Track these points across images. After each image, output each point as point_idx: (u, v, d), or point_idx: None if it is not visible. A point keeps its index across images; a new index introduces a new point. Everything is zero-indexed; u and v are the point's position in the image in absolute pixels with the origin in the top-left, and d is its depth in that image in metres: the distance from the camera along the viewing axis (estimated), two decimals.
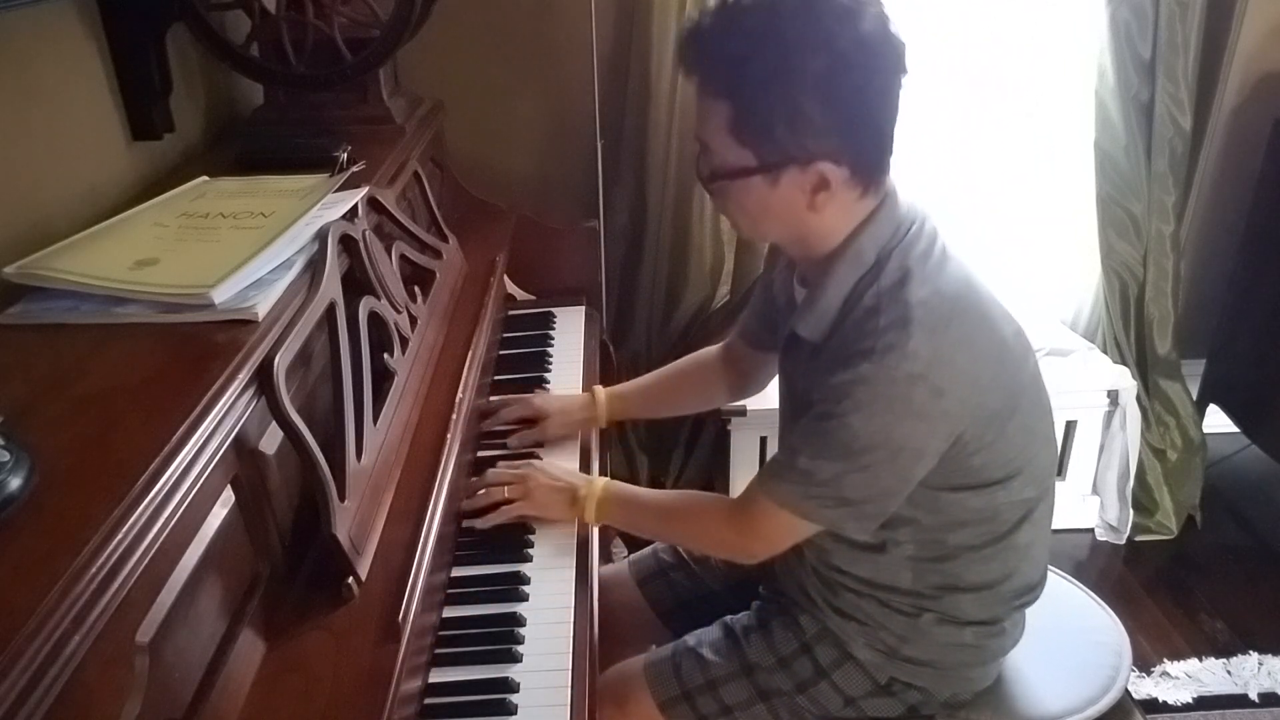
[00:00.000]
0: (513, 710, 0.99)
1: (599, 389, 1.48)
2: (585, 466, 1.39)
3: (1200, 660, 2.00)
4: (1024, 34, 2.25)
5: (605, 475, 1.34)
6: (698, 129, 1.07)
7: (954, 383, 1.01)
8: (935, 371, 0.99)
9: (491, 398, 1.49)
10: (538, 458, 1.35)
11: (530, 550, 1.21)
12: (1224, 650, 2.03)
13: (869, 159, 1.04)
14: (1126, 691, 1.27)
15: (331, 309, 1.03)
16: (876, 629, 1.19)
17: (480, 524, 1.23)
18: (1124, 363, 2.32)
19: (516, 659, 1.05)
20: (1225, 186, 2.42)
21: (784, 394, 1.25)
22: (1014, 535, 1.14)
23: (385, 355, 1.15)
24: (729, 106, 1.01)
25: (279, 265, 1.03)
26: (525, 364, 1.62)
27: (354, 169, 1.35)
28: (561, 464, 1.33)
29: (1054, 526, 1.24)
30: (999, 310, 1.09)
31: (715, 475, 2.35)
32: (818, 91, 0.98)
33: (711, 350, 1.49)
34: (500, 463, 1.31)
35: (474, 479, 1.29)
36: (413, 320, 1.27)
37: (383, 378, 1.13)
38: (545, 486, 1.25)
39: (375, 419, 1.06)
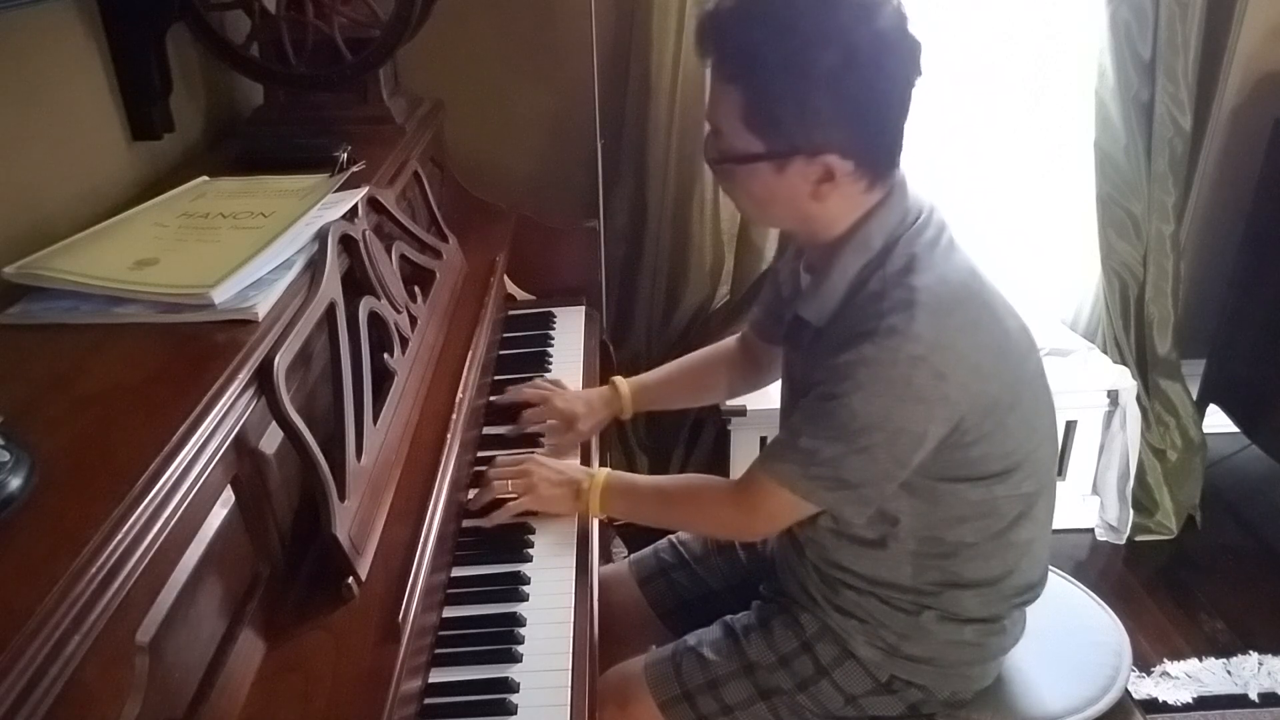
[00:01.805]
0: (513, 710, 0.99)
1: (620, 381, 1.48)
2: (586, 461, 1.39)
3: (1200, 660, 2.00)
4: (1024, 34, 2.25)
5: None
6: (710, 111, 1.08)
7: (955, 367, 1.01)
8: (937, 355, 1.00)
9: (505, 395, 1.48)
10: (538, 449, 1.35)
11: (530, 550, 1.21)
12: (1224, 650, 2.03)
13: (877, 154, 1.05)
14: (1126, 691, 1.27)
15: (331, 309, 1.03)
16: (877, 627, 1.19)
17: (485, 523, 1.23)
18: (1124, 363, 2.32)
19: (516, 659, 1.05)
20: (1225, 186, 2.42)
21: (785, 381, 1.26)
22: (1013, 531, 1.14)
23: (385, 355, 1.15)
24: (741, 93, 1.02)
25: (279, 265, 1.03)
26: (525, 364, 1.62)
27: (354, 169, 1.35)
28: (558, 457, 1.33)
29: (1054, 526, 1.24)
30: (1003, 303, 1.10)
31: (715, 474, 2.35)
32: (828, 86, 0.98)
33: (728, 342, 1.50)
34: (499, 458, 1.30)
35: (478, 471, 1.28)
36: (413, 320, 1.27)
37: (383, 378, 1.13)
38: (548, 480, 1.24)
39: (375, 419, 1.06)
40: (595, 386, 1.54)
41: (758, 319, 1.43)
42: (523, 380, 1.54)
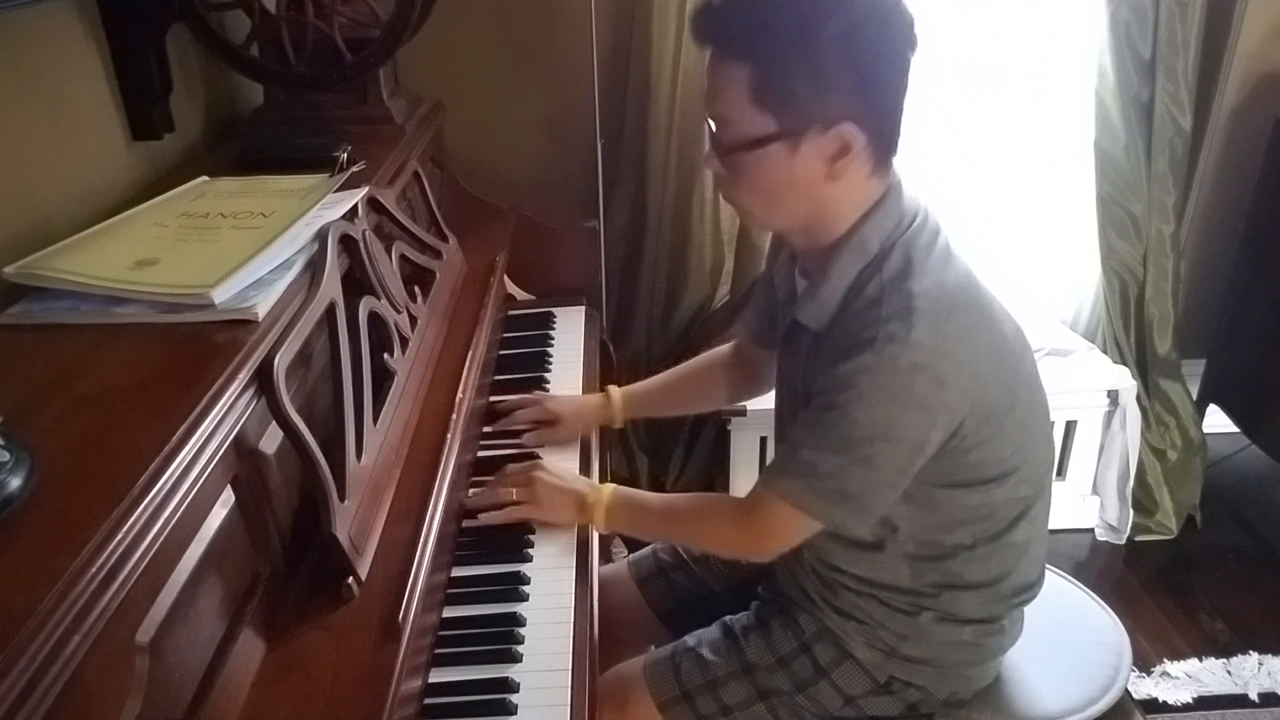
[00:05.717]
0: (513, 710, 0.99)
1: (614, 389, 1.48)
2: (585, 466, 1.39)
3: (1200, 660, 2.00)
4: (1024, 34, 2.25)
5: (606, 475, 1.33)
6: (713, 105, 1.07)
7: (954, 374, 1.01)
8: (937, 362, 1.00)
9: (501, 398, 1.49)
10: (539, 458, 1.35)
11: (530, 550, 1.21)
12: (1224, 650, 2.03)
13: (886, 126, 1.05)
14: (1126, 691, 1.27)
15: (331, 309, 1.03)
16: (875, 628, 1.19)
17: (483, 519, 1.23)
18: (1124, 363, 2.32)
19: (516, 659, 1.05)
20: (1225, 186, 2.42)
21: (781, 388, 1.25)
22: (1011, 533, 1.14)
23: (385, 355, 1.15)
24: (749, 72, 1.01)
25: (279, 265, 1.03)
26: (525, 364, 1.62)
27: (354, 169, 1.35)
28: (566, 467, 1.33)
29: (1054, 527, 1.24)
30: (999, 306, 1.10)
31: (715, 476, 2.35)
32: (837, 48, 0.99)
33: (722, 349, 1.50)
34: (508, 466, 1.30)
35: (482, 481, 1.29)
36: (413, 320, 1.27)
37: (383, 378, 1.13)
38: (553, 489, 1.24)
39: (375, 419, 1.06)
40: (595, 386, 1.54)
41: (752, 325, 1.42)
42: (522, 380, 1.54)
